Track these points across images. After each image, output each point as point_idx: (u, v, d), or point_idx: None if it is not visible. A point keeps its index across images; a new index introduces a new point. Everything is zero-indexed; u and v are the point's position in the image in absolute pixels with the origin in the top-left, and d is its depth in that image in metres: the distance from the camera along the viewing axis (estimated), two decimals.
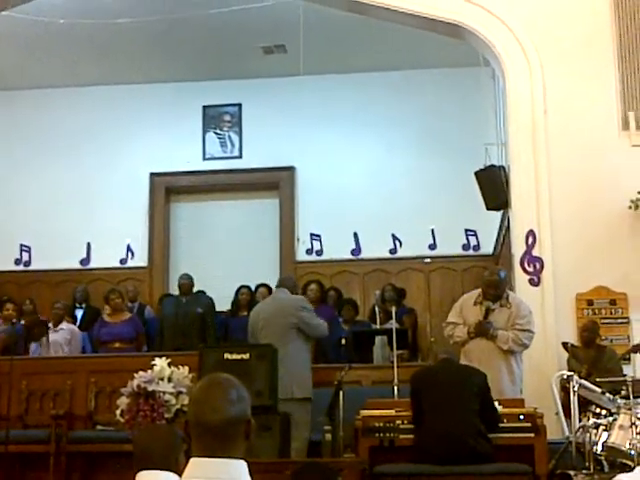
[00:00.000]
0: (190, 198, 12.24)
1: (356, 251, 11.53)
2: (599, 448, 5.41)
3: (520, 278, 7.64)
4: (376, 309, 9.04)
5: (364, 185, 11.49)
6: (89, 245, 11.76)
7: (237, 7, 9.70)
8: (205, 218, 12.03)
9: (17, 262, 11.83)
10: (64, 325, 8.94)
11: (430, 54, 10.73)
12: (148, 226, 11.87)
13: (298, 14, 9.58)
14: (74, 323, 9.49)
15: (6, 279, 11.55)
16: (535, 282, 7.59)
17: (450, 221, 11.12)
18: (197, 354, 6.52)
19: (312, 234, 11.62)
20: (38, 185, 11.81)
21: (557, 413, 6.55)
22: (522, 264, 7.64)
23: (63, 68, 11.48)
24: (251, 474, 2.24)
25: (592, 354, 7.13)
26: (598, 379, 6.21)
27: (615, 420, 5.46)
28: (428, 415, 5.45)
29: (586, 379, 6.08)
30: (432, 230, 11.32)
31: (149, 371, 5.78)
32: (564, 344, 7.16)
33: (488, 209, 8.79)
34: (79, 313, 10.05)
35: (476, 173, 8.76)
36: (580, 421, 5.65)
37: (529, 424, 5.57)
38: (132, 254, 11.78)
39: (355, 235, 11.51)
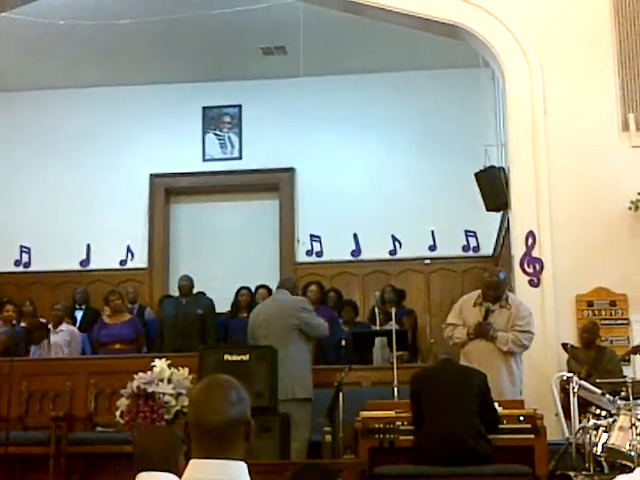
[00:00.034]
0: (190, 199, 12.23)
1: (356, 252, 11.52)
2: (599, 449, 5.41)
3: (520, 279, 7.63)
4: (376, 310, 9.03)
5: (364, 186, 11.48)
6: (89, 246, 11.76)
7: (237, 8, 9.70)
8: (205, 219, 12.01)
9: (17, 263, 11.82)
10: (64, 326, 8.94)
11: (430, 55, 10.73)
12: (148, 227, 11.87)
13: (298, 16, 9.59)
14: (74, 324, 9.49)
15: (6, 280, 11.54)
16: (535, 283, 7.58)
17: (450, 222, 11.12)
18: (197, 355, 6.51)
19: (312, 235, 11.61)
20: (38, 186, 11.81)
21: (557, 414, 6.54)
22: (522, 265, 7.64)
23: (63, 69, 11.48)
24: (251, 475, 2.24)
25: (592, 355, 7.13)
26: (598, 380, 6.22)
27: (615, 421, 5.46)
28: (428, 416, 5.44)
29: (586, 380, 6.07)
30: (432, 231, 11.31)
31: (149, 372, 5.78)
32: (564, 345, 7.14)
33: (488, 210, 8.79)
34: (79, 314, 10.05)
35: (476, 174, 8.76)
36: (580, 422, 5.65)
37: (529, 425, 5.57)
38: (132, 255, 11.77)
39: (355, 236, 11.51)
